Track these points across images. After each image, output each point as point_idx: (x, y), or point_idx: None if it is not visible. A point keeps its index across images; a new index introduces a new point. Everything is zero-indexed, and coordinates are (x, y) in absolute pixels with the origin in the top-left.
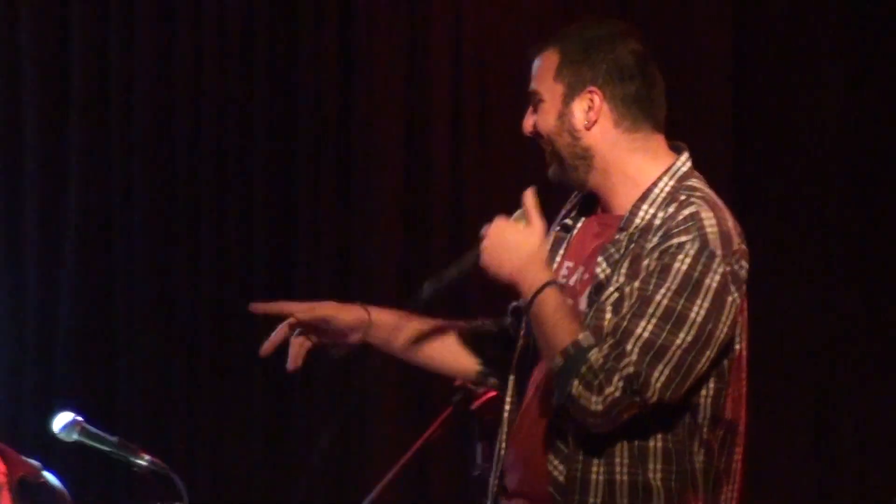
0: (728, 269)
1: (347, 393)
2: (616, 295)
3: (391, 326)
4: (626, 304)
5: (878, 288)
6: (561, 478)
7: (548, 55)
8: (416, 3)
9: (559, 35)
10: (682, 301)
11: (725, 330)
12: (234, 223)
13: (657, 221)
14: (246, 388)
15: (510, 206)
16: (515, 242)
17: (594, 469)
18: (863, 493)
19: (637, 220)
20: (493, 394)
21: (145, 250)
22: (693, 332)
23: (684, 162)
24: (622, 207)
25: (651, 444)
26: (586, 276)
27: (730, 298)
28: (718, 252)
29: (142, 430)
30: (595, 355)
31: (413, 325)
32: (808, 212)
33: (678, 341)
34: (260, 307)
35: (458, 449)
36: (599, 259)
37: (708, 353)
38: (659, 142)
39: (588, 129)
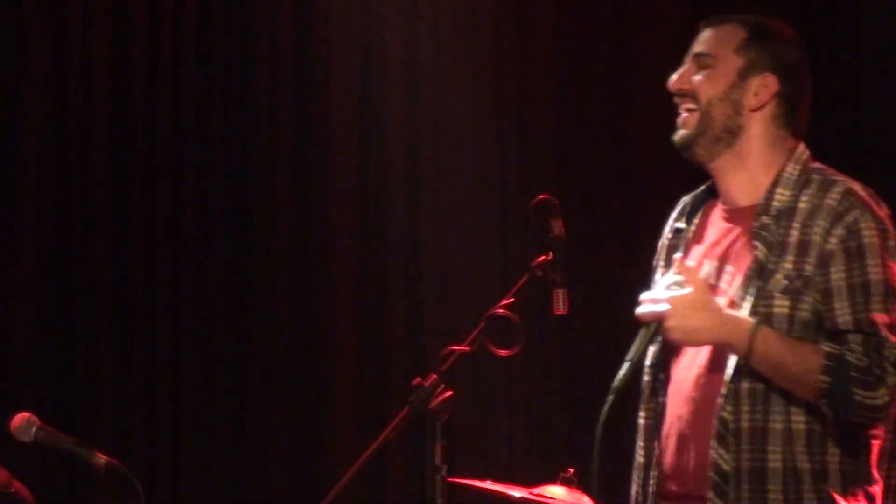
0: (892, 231)
1: (307, 394)
2: (786, 282)
3: None
4: (846, 295)
5: None
6: (726, 467)
7: (731, 28)
8: (370, 16)
9: (740, 16)
10: (887, 271)
11: None
12: (191, 230)
13: (802, 204)
14: (204, 391)
15: (464, 209)
16: (695, 309)
17: (770, 456)
18: None
19: (776, 203)
20: (449, 393)
21: (103, 253)
22: None
23: (803, 150)
24: (745, 196)
25: (820, 428)
26: (730, 270)
27: None
28: (882, 214)
29: (100, 433)
30: (855, 357)
31: None
32: None
33: None
34: None
35: (416, 449)
36: (756, 243)
37: None
38: (793, 144)
39: (753, 109)
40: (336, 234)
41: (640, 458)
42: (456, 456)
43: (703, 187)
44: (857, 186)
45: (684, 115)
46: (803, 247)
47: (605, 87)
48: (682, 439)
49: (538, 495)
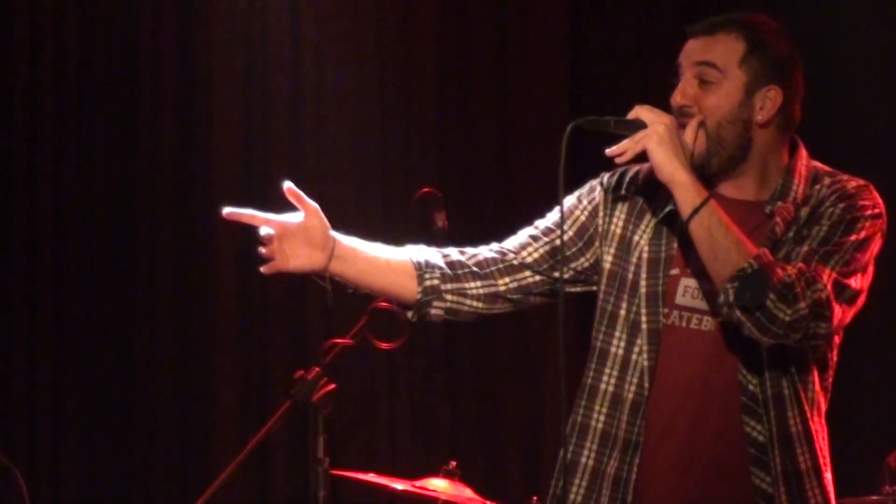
0: (882, 237)
1: (188, 388)
2: (786, 250)
3: (351, 257)
4: (815, 241)
5: None
6: (761, 437)
7: (728, 39)
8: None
9: (730, 20)
10: (861, 256)
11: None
12: (73, 223)
13: (818, 192)
14: (85, 382)
15: (347, 203)
16: (677, 144)
17: (791, 423)
18: None
19: (791, 194)
20: (332, 386)
21: None
22: (864, 285)
23: (801, 145)
24: (752, 193)
25: (810, 395)
26: None
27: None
28: (883, 209)
29: None
30: (788, 271)
31: (366, 255)
32: None
33: (856, 287)
34: (234, 215)
35: (299, 442)
36: (777, 220)
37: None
38: (791, 137)
39: (762, 126)
40: (218, 231)
41: (621, 433)
42: (338, 449)
43: (628, 172)
44: (873, 191)
45: (689, 132)
46: (811, 219)
47: (487, 81)
48: (693, 419)
49: (421, 488)
